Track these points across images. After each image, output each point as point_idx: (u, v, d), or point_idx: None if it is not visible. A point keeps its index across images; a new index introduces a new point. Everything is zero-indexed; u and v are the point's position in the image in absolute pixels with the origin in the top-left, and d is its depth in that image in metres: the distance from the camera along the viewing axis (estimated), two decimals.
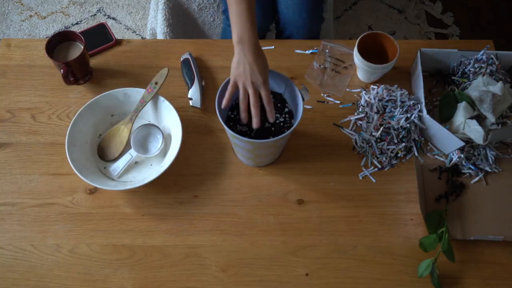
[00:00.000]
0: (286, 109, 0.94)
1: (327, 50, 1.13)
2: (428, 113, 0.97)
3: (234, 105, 0.94)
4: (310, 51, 1.14)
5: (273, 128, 0.92)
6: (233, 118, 0.93)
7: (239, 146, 0.91)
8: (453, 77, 1.06)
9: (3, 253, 0.90)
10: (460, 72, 1.06)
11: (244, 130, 0.92)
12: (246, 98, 0.86)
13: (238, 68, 0.85)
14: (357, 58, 1.04)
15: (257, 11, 1.20)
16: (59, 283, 0.88)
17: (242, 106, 0.87)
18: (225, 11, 1.30)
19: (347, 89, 1.09)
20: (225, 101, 0.87)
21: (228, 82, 0.87)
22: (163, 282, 0.88)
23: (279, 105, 0.94)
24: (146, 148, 0.99)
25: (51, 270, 0.89)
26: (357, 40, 1.04)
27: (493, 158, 0.99)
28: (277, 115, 0.93)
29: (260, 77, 0.84)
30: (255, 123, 0.86)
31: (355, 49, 1.04)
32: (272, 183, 0.98)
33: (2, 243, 0.91)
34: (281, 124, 0.92)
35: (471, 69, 1.04)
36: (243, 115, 0.87)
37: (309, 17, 1.21)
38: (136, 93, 0.99)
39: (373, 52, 1.06)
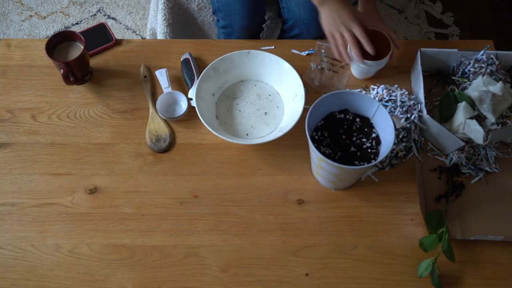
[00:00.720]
0: (374, 134, 0.93)
1: (322, 50, 1.13)
2: (428, 113, 0.97)
3: (318, 126, 0.94)
4: (306, 52, 1.13)
5: (359, 153, 0.92)
6: (317, 139, 0.93)
7: (323, 169, 0.89)
8: (453, 77, 1.06)
9: (3, 253, 0.90)
10: (460, 72, 1.06)
11: (328, 152, 0.92)
12: (342, 40, 0.98)
13: (327, 21, 0.98)
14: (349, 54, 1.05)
15: (251, 3, 1.21)
16: (59, 283, 0.88)
17: (341, 49, 0.99)
18: (215, 12, 1.30)
19: (347, 89, 1.09)
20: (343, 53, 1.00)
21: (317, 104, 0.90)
22: (163, 282, 0.88)
23: (366, 129, 0.94)
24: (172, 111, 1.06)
25: (51, 270, 0.89)
26: None
27: (493, 158, 0.99)
28: (364, 139, 0.93)
29: (348, 18, 0.96)
30: (355, 56, 0.98)
31: (348, 46, 1.04)
32: (272, 183, 0.98)
33: (2, 243, 0.91)
34: (368, 149, 0.92)
35: (471, 69, 1.04)
36: (344, 55, 1.00)
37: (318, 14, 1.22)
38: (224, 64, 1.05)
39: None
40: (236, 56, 1.05)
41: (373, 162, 0.85)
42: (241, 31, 1.23)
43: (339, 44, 0.99)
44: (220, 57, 1.04)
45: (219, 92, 1.07)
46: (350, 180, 0.94)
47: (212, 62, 1.04)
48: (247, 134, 1.03)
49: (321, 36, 1.23)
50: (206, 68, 1.03)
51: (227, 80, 1.07)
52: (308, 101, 1.01)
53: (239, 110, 1.06)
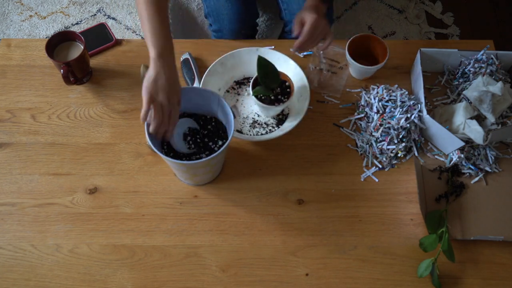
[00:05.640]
0: (221, 132, 0.94)
1: (321, 51, 1.13)
2: (428, 113, 0.97)
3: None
4: (304, 53, 1.13)
5: (206, 152, 0.92)
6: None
7: (174, 168, 0.91)
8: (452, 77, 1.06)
9: (3, 253, 0.90)
10: (460, 72, 1.06)
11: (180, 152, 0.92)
12: (160, 113, 0.82)
13: (156, 83, 0.81)
14: (348, 59, 1.05)
15: (242, 8, 1.21)
16: (59, 283, 0.88)
17: (156, 121, 0.82)
18: (207, 16, 1.30)
19: (347, 89, 1.09)
20: (149, 124, 0.83)
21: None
22: (163, 282, 0.88)
23: (210, 126, 0.94)
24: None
25: (51, 270, 0.89)
26: (347, 43, 1.05)
27: (493, 158, 0.99)
28: (216, 139, 0.93)
29: (176, 97, 0.81)
30: (152, 129, 0.82)
31: (346, 52, 1.05)
32: (272, 183, 0.98)
33: (2, 243, 0.91)
34: (216, 147, 0.92)
35: (471, 69, 1.04)
36: (154, 129, 0.83)
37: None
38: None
39: (365, 50, 1.08)
40: (245, 53, 1.06)
41: (215, 154, 0.83)
42: (231, 34, 1.24)
43: (159, 118, 0.83)
44: (229, 53, 1.05)
45: (225, 88, 1.07)
46: (205, 175, 0.93)
47: (221, 57, 1.04)
48: (249, 131, 1.03)
49: (325, 39, 1.23)
50: (214, 63, 1.03)
51: (233, 76, 1.07)
52: (310, 102, 1.01)
53: (244, 107, 1.06)
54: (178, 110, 0.84)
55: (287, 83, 1.00)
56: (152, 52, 0.82)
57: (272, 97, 0.99)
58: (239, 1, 1.22)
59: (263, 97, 0.98)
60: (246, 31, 1.27)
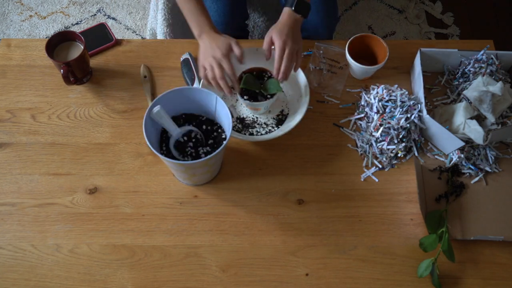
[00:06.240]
0: (220, 130, 0.94)
1: (321, 51, 1.13)
2: (428, 113, 0.97)
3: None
4: (305, 53, 1.13)
5: (204, 150, 0.92)
6: (162, 139, 0.93)
7: (172, 168, 0.91)
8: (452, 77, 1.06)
9: (3, 253, 0.90)
10: (460, 72, 1.06)
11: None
12: (213, 74, 0.94)
13: (203, 55, 0.95)
14: (348, 59, 1.05)
15: (227, 9, 1.21)
16: (59, 283, 0.88)
17: (212, 82, 0.94)
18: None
19: (347, 89, 1.09)
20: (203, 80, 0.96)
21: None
22: (163, 282, 0.88)
23: (209, 127, 0.95)
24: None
25: (51, 270, 0.89)
26: (348, 43, 1.05)
27: (493, 158, 0.99)
28: (214, 139, 0.93)
29: (218, 51, 0.92)
30: (226, 92, 0.94)
31: (346, 51, 1.05)
32: (272, 183, 0.98)
33: (2, 243, 0.91)
34: (214, 146, 0.92)
35: (471, 69, 1.04)
36: (218, 88, 0.95)
37: (326, 16, 1.20)
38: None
39: (365, 50, 1.08)
40: (245, 53, 1.05)
41: (211, 155, 0.84)
42: None
43: (209, 77, 0.95)
44: None
45: None
46: (204, 175, 0.93)
47: None
48: (249, 131, 1.03)
49: (329, 39, 1.22)
50: None
51: None
52: (310, 102, 1.01)
53: (244, 107, 1.06)
54: (227, 61, 0.93)
55: (268, 74, 1.02)
56: (195, 34, 0.99)
57: (257, 91, 0.99)
58: (225, 2, 1.21)
59: (254, 93, 0.99)
60: (233, 33, 1.27)
